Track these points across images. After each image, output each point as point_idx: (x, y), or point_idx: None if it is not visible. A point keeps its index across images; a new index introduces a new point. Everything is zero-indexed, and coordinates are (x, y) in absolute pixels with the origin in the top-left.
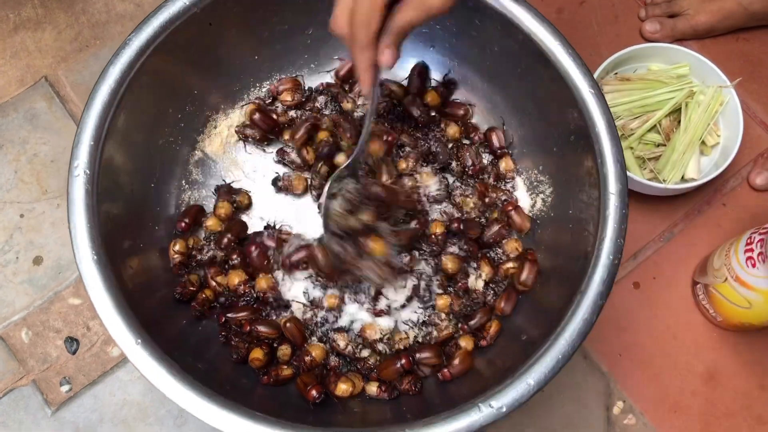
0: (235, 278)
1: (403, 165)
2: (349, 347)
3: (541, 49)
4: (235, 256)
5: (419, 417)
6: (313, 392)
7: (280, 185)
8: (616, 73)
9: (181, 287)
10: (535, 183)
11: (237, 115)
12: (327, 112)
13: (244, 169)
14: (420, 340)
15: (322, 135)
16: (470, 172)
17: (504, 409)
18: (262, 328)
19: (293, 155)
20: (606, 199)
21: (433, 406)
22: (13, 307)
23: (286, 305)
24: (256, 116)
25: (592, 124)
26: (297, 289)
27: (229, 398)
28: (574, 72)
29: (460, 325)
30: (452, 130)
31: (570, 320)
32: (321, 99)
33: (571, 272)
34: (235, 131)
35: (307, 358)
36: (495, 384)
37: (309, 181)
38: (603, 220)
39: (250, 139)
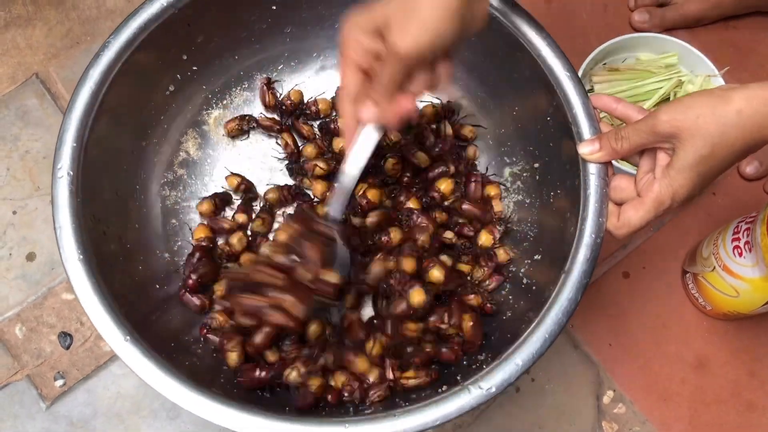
0: None
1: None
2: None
3: (517, 37)
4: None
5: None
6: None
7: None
8: (605, 64)
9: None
10: (518, 169)
11: (219, 113)
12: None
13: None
14: None
15: None
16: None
17: (493, 390)
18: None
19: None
20: (586, 179)
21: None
22: (6, 303)
23: None
24: None
25: (569, 107)
26: None
27: (220, 391)
28: (549, 56)
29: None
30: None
31: (555, 300)
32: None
33: (557, 254)
34: None
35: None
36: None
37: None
38: (585, 199)
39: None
